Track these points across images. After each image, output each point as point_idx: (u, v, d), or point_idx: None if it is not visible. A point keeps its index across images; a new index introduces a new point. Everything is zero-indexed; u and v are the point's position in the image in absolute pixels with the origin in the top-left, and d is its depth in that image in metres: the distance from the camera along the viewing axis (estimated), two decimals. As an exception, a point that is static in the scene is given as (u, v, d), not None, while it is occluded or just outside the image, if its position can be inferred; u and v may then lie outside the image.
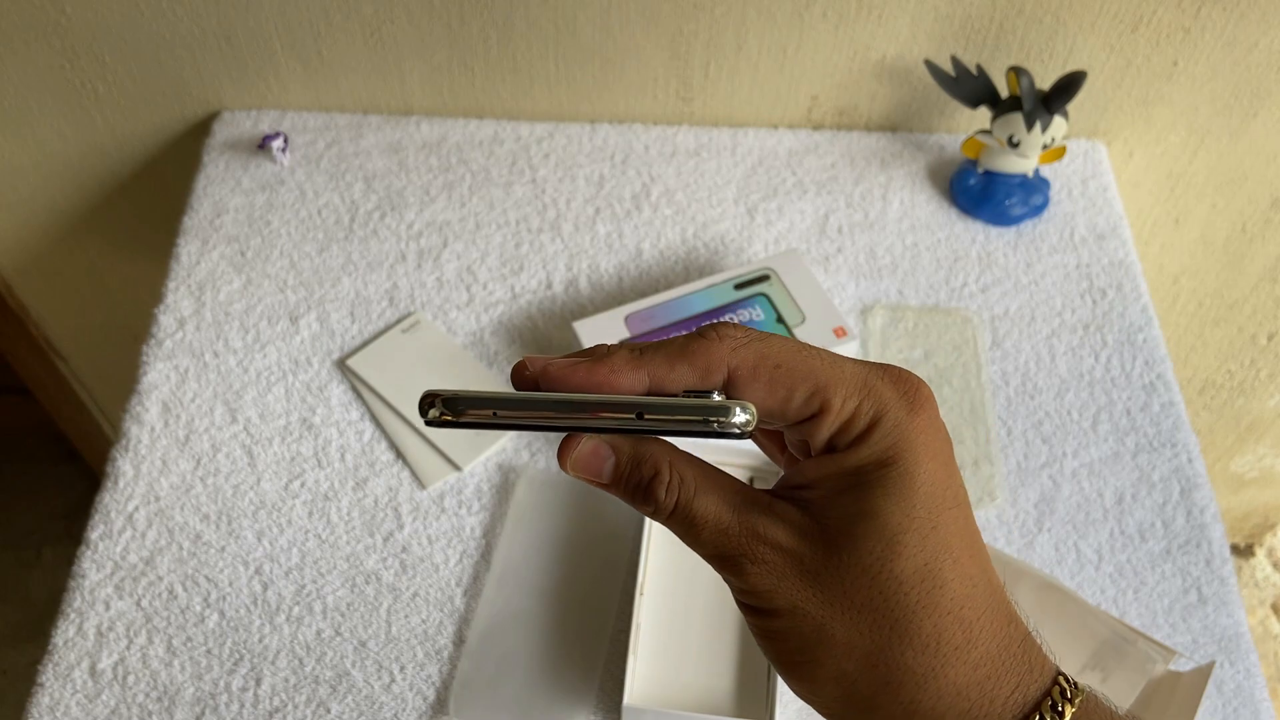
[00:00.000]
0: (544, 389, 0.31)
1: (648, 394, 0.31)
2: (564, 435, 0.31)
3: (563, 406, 0.30)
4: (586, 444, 0.31)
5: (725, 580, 0.32)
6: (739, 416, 0.29)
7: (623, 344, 0.31)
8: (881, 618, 0.29)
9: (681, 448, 0.32)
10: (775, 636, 0.31)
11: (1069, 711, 0.29)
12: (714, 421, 0.29)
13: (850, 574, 0.29)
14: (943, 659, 0.29)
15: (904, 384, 0.31)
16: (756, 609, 0.31)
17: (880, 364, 0.32)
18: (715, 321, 0.31)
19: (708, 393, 0.30)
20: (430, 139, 0.91)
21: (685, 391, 0.30)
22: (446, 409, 0.30)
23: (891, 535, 0.29)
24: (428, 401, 0.30)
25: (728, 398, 0.30)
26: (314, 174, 0.89)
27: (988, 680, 0.29)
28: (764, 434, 0.36)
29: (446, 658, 0.66)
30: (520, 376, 0.31)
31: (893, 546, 0.29)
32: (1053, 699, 0.30)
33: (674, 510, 0.31)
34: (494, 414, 0.30)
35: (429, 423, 0.30)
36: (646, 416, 0.29)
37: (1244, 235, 1.03)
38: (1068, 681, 0.30)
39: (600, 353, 0.31)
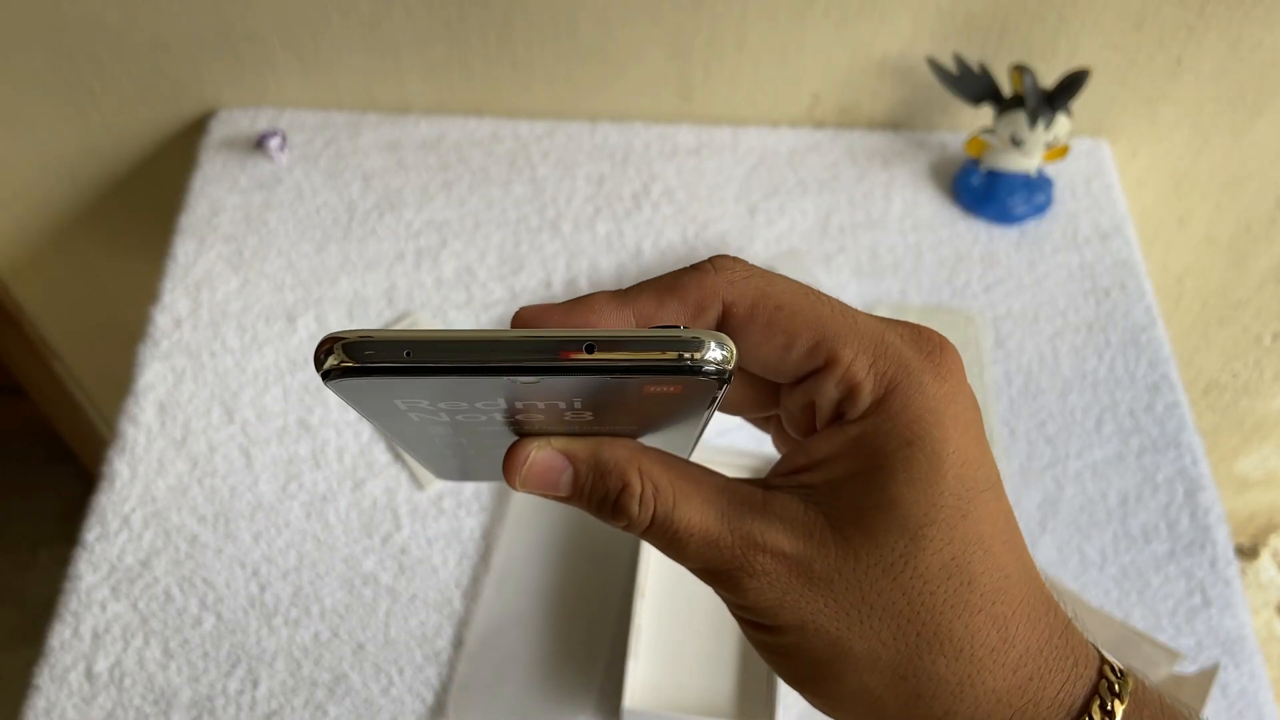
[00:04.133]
0: None
1: None
2: (514, 440, 0.27)
3: (485, 346, 0.24)
4: (538, 454, 0.27)
5: (719, 595, 0.28)
6: (714, 352, 0.24)
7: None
8: (906, 623, 0.26)
9: (653, 444, 0.28)
10: (784, 653, 0.27)
11: (1119, 709, 0.26)
12: (684, 357, 0.23)
13: (868, 576, 0.26)
14: (978, 664, 0.26)
15: (926, 342, 0.27)
16: (759, 625, 0.28)
17: (898, 320, 0.28)
18: (717, 254, 0.28)
19: (676, 327, 0.25)
20: (429, 137, 0.91)
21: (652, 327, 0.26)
22: (349, 356, 0.24)
23: (915, 528, 0.26)
24: (325, 349, 0.24)
25: None
26: (311, 173, 0.88)
27: (1030, 682, 0.26)
28: (765, 417, 0.32)
29: (445, 660, 0.65)
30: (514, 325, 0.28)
31: (916, 541, 0.26)
32: (1101, 696, 0.26)
33: (651, 524, 0.27)
34: (406, 354, 0.24)
35: (326, 375, 0.24)
36: (597, 352, 0.24)
37: (1249, 234, 1.02)
38: (1114, 672, 0.27)
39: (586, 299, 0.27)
